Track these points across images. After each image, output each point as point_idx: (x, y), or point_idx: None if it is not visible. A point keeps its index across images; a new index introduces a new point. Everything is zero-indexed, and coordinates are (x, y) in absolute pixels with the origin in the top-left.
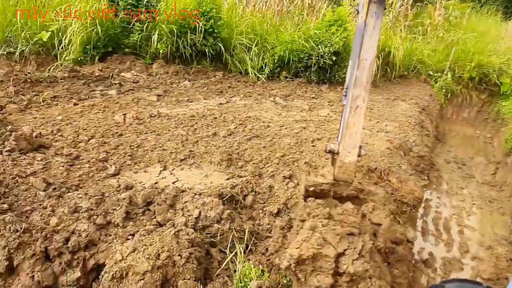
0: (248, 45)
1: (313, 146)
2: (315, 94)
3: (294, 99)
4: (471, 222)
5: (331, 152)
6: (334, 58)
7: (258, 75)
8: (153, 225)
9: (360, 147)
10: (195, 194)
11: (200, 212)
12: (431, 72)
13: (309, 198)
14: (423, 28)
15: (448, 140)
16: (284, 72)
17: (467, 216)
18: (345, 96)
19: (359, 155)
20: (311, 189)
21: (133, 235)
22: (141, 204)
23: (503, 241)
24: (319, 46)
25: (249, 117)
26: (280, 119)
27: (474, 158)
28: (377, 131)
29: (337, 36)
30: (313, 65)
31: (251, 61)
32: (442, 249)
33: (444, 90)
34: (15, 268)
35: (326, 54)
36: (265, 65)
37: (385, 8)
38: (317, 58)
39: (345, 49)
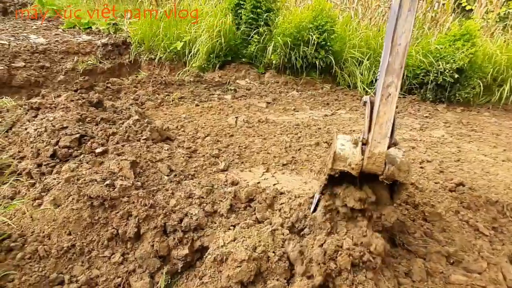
0: (359, 58)
1: (421, 167)
2: (429, 113)
3: (404, 116)
4: None
5: (362, 142)
6: (456, 76)
7: (367, 89)
8: (252, 220)
9: (392, 135)
10: (293, 197)
11: (297, 216)
12: None
13: None
14: None
15: None
16: None
17: None
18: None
19: (394, 144)
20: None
21: (234, 226)
22: (244, 199)
23: None
24: (439, 62)
25: (354, 131)
26: None
27: None
28: (503, 160)
29: (463, 52)
30: (430, 82)
31: (361, 75)
32: None
33: None
34: (140, 236)
35: (447, 70)
36: (375, 80)
37: None
38: (435, 74)
39: (471, 66)
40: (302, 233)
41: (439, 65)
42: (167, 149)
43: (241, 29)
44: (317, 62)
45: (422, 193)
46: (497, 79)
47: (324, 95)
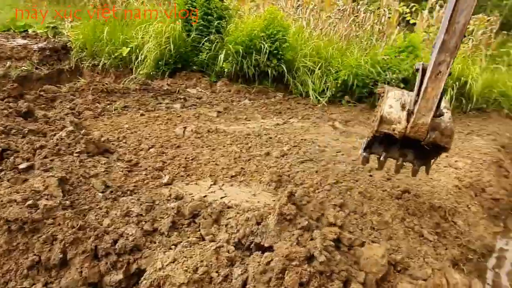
0: (311, 67)
1: (370, 175)
2: None
3: (354, 125)
4: None
5: (408, 112)
6: (402, 86)
7: (319, 98)
8: (196, 237)
9: (438, 107)
10: (241, 211)
11: (244, 231)
12: None
13: None
14: (508, 59)
15: None
16: (346, 96)
17: None
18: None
19: (440, 115)
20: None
21: (176, 245)
22: (188, 215)
23: None
24: (386, 72)
25: (305, 139)
26: (337, 145)
27: None
28: (444, 166)
29: (407, 63)
30: None
31: (313, 83)
32: None
33: None
34: (67, 262)
35: (394, 80)
36: (327, 89)
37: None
38: (383, 84)
39: (415, 77)
40: (249, 249)
41: (386, 75)
42: (104, 163)
43: (192, 36)
44: (269, 71)
45: (370, 201)
46: None
47: (277, 103)
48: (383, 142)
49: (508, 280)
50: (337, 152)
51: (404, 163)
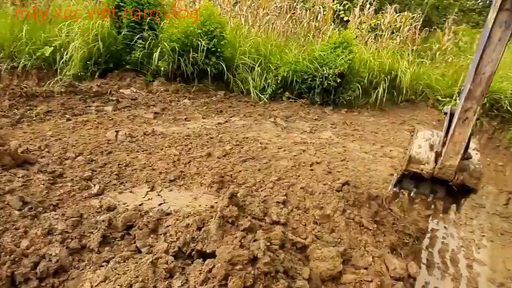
0: (251, 65)
1: (311, 170)
2: (318, 116)
3: (295, 120)
4: (481, 256)
5: (436, 153)
6: (338, 80)
7: (260, 95)
8: (131, 251)
9: (466, 150)
10: (181, 217)
11: (184, 239)
12: (439, 97)
13: None
14: (431, 53)
15: None
16: (287, 93)
17: (476, 249)
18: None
19: (467, 158)
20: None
21: (108, 261)
22: (121, 227)
23: None
24: (324, 68)
25: (247, 138)
26: (279, 141)
27: (484, 187)
28: (381, 156)
29: (342, 59)
30: (317, 86)
31: (254, 81)
32: (449, 285)
33: None
34: None
35: (331, 75)
36: (268, 86)
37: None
38: (321, 79)
39: (350, 71)
40: (191, 257)
41: (323, 71)
42: (22, 176)
43: (123, 33)
44: (208, 69)
45: (312, 196)
46: (372, 82)
47: (218, 102)
48: (414, 178)
49: (440, 256)
50: (279, 149)
51: (435, 200)
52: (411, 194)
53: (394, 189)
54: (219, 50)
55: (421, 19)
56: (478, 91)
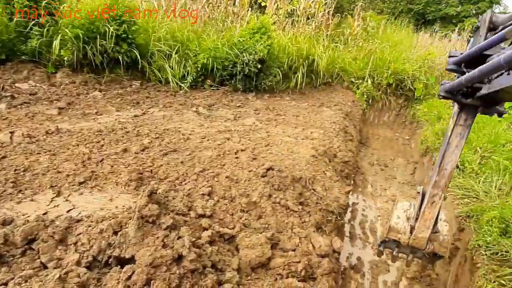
0: (168, 52)
1: (236, 158)
2: (241, 103)
3: (218, 108)
4: None
5: (410, 228)
6: (259, 66)
7: (180, 84)
8: (34, 268)
9: (434, 225)
10: (93, 223)
11: (99, 246)
12: (353, 79)
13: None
14: (344, 38)
15: (371, 144)
16: (208, 80)
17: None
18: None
19: (432, 232)
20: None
21: (6, 284)
22: (21, 242)
23: None
24: (244, 54)
25: (168, 129)
26: (202, 131)
27: (395, 160)
28: (303, 139)
29: (261, 44)
30: (238, 73)
31: (172, 69)
32: (370, 253)
33: (365, 96)
34: None
35: (251, 61)
36: (188, 74)
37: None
38: (242, 66)
39: (270, 57)
40: (108, 265)
41: (243, 57)
42: None
43: (15, 20)
44: (120, 57)
45: (238, 184)
46: (292, 67)
47: (133, 93)
48: (396, 241)
49: (360, 227)
50: (202, 139)
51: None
52: (394, 253)
53: (380, 247)
54: (130, 36)
55: (333, 5)
56: (442, 182)
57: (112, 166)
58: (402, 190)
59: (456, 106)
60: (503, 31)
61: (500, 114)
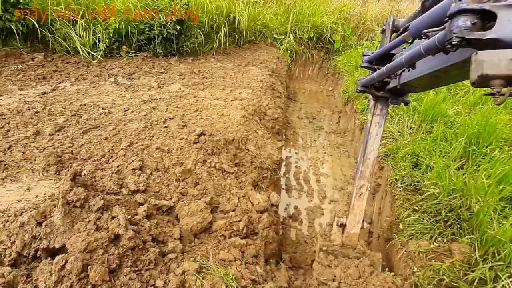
0: (72, 18)
1: (165, 127)
2: (164, 69)
3: (140, 76)
4: (325, 170)
5: (341, 225)
6: (178, 28)
7: (92, 53)
8: None
9: (363, 221)
10: (11, 217)
11: (22, 240)
12: (276, 36)
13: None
14: None
15: (299, 98)
16: (124, 47)
17: (321, 165)
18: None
19: (362, 228)
20: (324, 248)
21: None
22: None
23: (351, 180)
24: (160, 15)
25: (85, 104)
26: (124, 102)
27: (321, 111)
28: (232, 100)
29: (178, 3)
30: (156, 36)
31: (80, 37)
32: (305, 200)
33: (289, 52)
34: None
35: (169, 23)
36: (99, 41)
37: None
38: (159, 28)
39: (189, 17)
40: (37, 258)
41: (160, 18)
42: None
43: None
44: (13, 27)
45: (170, 154)
46: (213, 27)
47: (37, 67)
48: None
49: (295, 179)
50: (125, 111)
51: None
52: None
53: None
54: (21, 1)
55: None
56: (367, 172)
57: (23, 153)
58: (329, 139)
59: (371, 100)
60: (402, 36)
61: (406, 104)
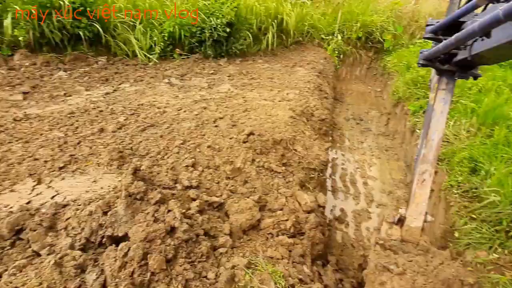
0: (131, 23)
1: (215, 126)
2: (214, 70)
3: (191, 77)
4: (373, 173)
5: (400, 220)
6: (228, 30)
7: (149, 55)
8: (27, 257)
9: (426, 213)
10: (81, 206)
11: (90, 227)
12: (323, 36)
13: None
14: None
15: (346, 99)
16: (177, 49)
17: (368, 168)
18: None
19: (424, 221)
20: (380, 242)
21: (0, 276)
22: (8, 234)
23: (400, 184)
24: (211, 18)
25: (142, 104)
26: (178, 102)
27: (369, 113)
28: (279, 101)
29: (228, 6)
30: (207, 39)
31: (138, 40)
32: (351, 203)
33: (336, 52)
34: None
35: (219, 26)
36: (155, 44)
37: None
38: (210, 31)
39: (238, 19)
40: (102, 245)
41: (211, 21)
42: None
43: None
44: (81, 33)
45: (220, 152)
46: (261, 28)
47: (101, 70)
48: None
49: (341, 181)
50: (178, 110)
51: None
52: None
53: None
54: (88, 8)
55: None
56: (431, 155)
57: (90, 148)
58: (377, 142)
59: (434, 75)
60: (474, 0)
61: (475, 77)
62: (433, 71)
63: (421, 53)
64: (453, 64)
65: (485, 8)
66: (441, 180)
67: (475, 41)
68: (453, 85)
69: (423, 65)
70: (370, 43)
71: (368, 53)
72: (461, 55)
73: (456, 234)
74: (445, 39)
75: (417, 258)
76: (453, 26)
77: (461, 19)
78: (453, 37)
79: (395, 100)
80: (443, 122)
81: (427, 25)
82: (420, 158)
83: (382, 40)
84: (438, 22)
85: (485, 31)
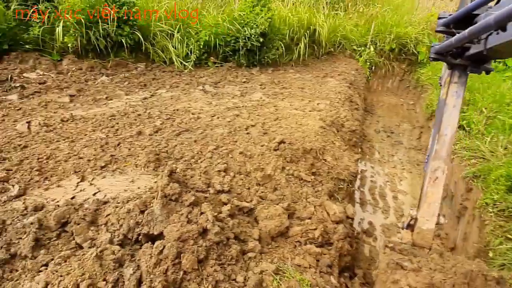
0: (169, 31)
1: (247, 133)
2: (246, 78)
3: (224, 85)
4: (403, 187)
5: (410, 223)
6: (261, 40)
7: (184, 63)
8: (71, 248)
9: (439, 215)
10: (120, 204)
11: (128, 225)
12: (355, 47)
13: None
14: (344, 4)
15: (376, 111)
16: (212, 57)
17: (399, 182)
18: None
19: (437, 223)
20: (390, 245)
21: (46, 265)
22: (55, 226)
23: None
24: (245, 28)
25: (177, 109)
26: (211, 109)
27: (400, 125)
28: (310, 111)
29: (262, 17)
30: (241, 48)
31: (175, 48)
32: (380, 217)
33: (368, 63)
34: None
35: (253, 36)
36: (191, 52)
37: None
38: (244, 40)
39: (272, 29)
40: (138, 242)
41: (245, 31)
42: None
43: (12, 7)
44: (123, 40)
45: (251, 159)
46: (293, 38)
47: (140, 75)
48: None
49: (370, 193)
50: (212, 117)
51: None
52: None
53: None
54: (131, 18)
55: None
56: (444, 151)
57: (129, 149)
58: (408, 155)
59: (445, 70)
60: None
61: (487, 72)
62: (444, 66)
63: (432, 47)
64: (465, 58)
65: (498, 1)
66: (476, 198)
67: (489, 34)
68: (466, 79)
69: (434, 59)
70: (403, 55)
71: (401, 65)
72: (474, 49)
73: (491, 254)
74: (457, 33)
75: (433, 256)
76: (466, 19)
77: (475, 12)
78: (467, 30)
79: (428, 114)
80: (456, 116)
81: (439, 18)
82: (432, 155)
83: (416, 52)
84: (450, 15)
85: (501, 25)
